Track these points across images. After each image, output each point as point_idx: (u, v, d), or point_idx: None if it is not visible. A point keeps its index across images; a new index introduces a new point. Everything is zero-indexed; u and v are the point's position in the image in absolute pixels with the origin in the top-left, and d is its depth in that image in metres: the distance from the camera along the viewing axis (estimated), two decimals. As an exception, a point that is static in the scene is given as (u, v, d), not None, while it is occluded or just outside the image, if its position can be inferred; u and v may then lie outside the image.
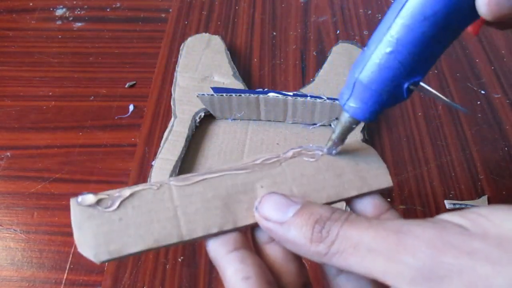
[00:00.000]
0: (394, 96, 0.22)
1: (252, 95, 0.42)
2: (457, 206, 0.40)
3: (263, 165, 0.23)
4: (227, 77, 0.47)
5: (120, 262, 0.37)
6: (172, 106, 0.45)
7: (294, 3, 0.59)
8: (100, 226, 0.19)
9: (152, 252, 0.37)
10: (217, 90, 0.43)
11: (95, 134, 0.45)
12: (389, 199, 0.40)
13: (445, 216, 0.18)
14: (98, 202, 0.20)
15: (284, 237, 0.19)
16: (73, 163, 0.43)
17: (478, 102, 0.48)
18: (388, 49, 0.21)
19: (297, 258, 0.22)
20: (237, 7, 0.59)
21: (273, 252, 0.21)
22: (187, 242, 0.20)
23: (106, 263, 0.36)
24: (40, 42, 0.55)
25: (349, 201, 0.24)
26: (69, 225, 0.40)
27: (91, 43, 0.54)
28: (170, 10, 0.58)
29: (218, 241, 0.20)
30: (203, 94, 0.42)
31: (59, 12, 0.58)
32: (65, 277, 0.36)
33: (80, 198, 0.20)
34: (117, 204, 0.20)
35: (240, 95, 0.42)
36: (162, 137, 0.43)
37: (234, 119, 0.45)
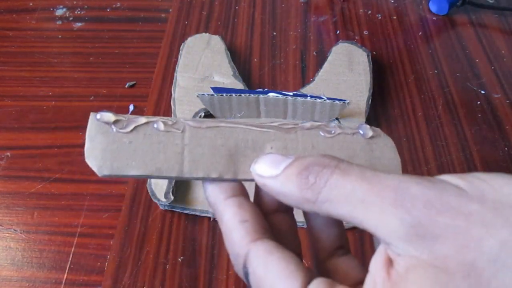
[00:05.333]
0: None
1: (252, 95, 0.42)
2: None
3: (278, 128, 0.23)
4: (227, 77, 0.47)
5: (120, 263, 0.37)
6: (172, 106, 0.45)
7: (294, 3, 0.59)
8: (110, 144, 0.20)
9: (152, 252, 0.37)
10: (217, 90, 0.43)
11: (95, 134, 0.45)
12: (389, 199, 0.40)
13: (444, 177, 0.18)
14: (115, 122, 0.21)
15: (276, 190, 0.20)
16: (73, 163, 0.43)
17: (478, 102, 0.48)
18: None
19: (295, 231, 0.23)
20: (237, 7, 0.59)
21: (277, 221, 0.22)
22: (185, 179, 0.21)
23: (106, 264, 0.37)
24: (40, 42, 0.55)
25: None
26: (69, 225, 0.40)
27: (91, 43, 0.54)
28: (170, 10, 0.58)
29: (217, 187, 0.21)
30: (203, 94, 0.42)
31: (59, 12, 0.58)
32: (65, 277, 0.36)
33: (99, 115, 0.21)
34: (131, 127, 0.21)
35: (240, 95, 0.42)
36: (162, 137, 0.43)
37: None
